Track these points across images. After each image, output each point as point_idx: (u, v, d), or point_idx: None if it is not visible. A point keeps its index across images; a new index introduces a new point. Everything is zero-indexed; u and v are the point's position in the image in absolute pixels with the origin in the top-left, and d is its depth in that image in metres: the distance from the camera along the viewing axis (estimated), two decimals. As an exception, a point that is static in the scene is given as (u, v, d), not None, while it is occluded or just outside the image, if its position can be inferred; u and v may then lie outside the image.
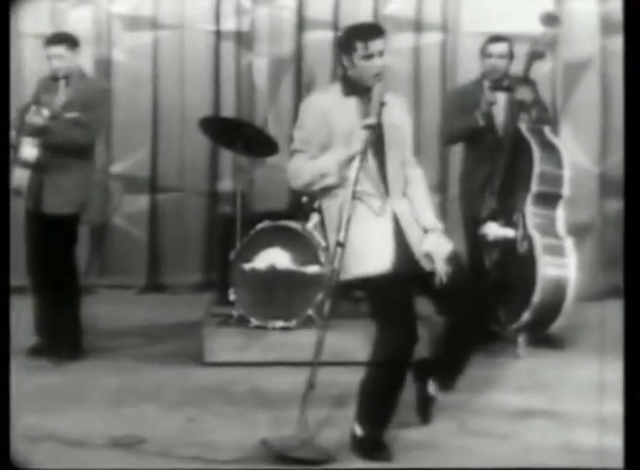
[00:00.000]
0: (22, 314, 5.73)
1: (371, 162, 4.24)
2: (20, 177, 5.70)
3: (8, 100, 4.40)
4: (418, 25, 7.93)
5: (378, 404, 4.31)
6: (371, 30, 4.26)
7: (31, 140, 5.67)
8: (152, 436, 4.39)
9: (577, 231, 6.39)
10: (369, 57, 4.21)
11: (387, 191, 4.30)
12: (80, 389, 5.23)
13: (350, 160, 4.17)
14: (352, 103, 4.28)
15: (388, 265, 4.19)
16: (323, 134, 4.24)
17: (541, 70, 6.86)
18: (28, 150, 5.68)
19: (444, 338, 4.46)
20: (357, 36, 4.22)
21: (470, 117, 6.01)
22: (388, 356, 4.24)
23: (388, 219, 4.27)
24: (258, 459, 4.14)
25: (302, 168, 4.25)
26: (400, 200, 4.34)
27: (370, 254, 4.21)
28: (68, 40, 5.82)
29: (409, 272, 4.25)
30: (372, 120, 4.18)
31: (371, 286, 4.26)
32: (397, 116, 4.37)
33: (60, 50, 5.74)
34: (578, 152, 7.57)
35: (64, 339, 5.82)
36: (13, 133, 5.60)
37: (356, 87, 4.28)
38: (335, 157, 4.20)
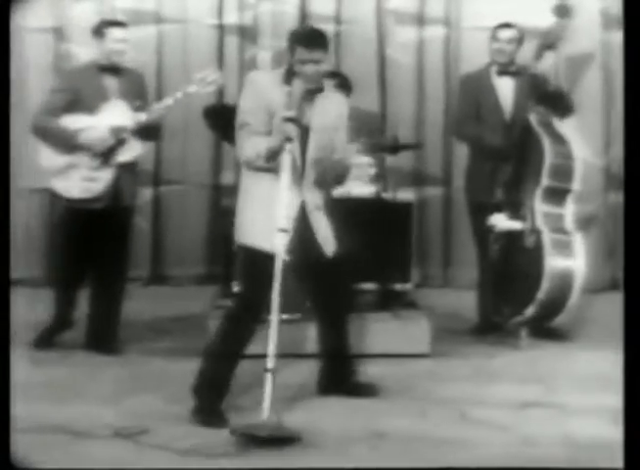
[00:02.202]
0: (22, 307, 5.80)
1: (295, 152, 4.49)
2: (112, 177, 5.71)
3: (8, 98, 4.40)
4: (421, 20, 7.96)
5: (213, 374, 4.60)
6: (309, 39, 4.55)
7: (136, 137, 5.70)
8: (155, 427, 4.41)
9: (581, 224, 6.42)
10: (304, 62, 4.50)
11: (301, 179, 4.56)
12: (85, 381, 5.26)
13: (276, 148, 4.42)
14: (287, 92, 4.52)
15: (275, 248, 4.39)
16: (262, 111, 4.52)
17: (544, 63, 6.89)
18: (139, 147, 5.73)
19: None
20: (296, 40, 4.55)
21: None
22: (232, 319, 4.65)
23: (295, 205, 4.51)
24: (257, 451, 4.16)
25: (244, 145, 4.54)
26: (313, 189, 4.63)
27: (264, 229, 4.45)
28: (126, 25, 5.84)
29: (302, 258, 4.56)
30: (290, 114, 4.42)
31: (252, 257, 4.56)
32: (328, 112, 4.64)
33: (124, 33, 5.74)
34: (582, 146, 7.58)
35: (112, 333, 5.87)
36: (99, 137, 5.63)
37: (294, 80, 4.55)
38: (265, 142, 4.46)
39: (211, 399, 4.58)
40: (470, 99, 6.26)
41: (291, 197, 4.44)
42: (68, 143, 5.64)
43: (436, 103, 7.72)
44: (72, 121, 5.66)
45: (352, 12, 7.98)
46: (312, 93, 4.60)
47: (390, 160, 6.11)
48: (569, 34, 7.55)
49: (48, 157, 5.73)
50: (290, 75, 4.57)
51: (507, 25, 6.17)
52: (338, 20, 8.00)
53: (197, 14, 8.03)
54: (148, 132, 5.75)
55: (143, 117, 5.63)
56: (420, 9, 7.94)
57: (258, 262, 4.51)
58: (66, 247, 5.91)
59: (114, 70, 5.74)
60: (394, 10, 7.96)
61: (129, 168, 5.78)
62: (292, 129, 4.40)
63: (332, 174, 4.72)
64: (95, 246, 5.80)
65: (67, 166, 5.68)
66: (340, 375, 4.97)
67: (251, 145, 4.51)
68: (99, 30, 5.73)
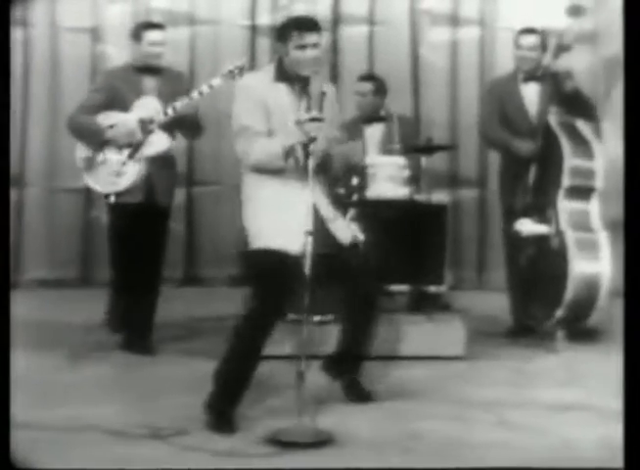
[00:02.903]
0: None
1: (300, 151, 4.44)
2: (138, 171, 5.71)
3: (8, 96, 4.40)
4: (455, 20, 7.93)
5: (230, 379, 4.53)
6: (307, 23, 4.51)
7: (164, 131, 5.70)
8: (190, 428, 4.41)
9: (617, 226, 6.35)
10: (303, 47, 4.42)
11: (308, 175, 4.47)
12: (120, 381, 5.27)
13: (292, 147, 4.40)
14: (282, 89, 4.51)
15: (297, 247, 4.35)
16: (260, 112, 4.46)
17: (581, 65, 6.85)
18: (166, 141, 5.72)
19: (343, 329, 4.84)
20: (293, 26, 4.47)
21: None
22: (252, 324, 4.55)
23: (309, 204, 4.39)
24: (292, 451, 4.15)
25: (252, 148, 4.47)
26: (320, 186, 4.60)
27: (284, 231, 4.42)
28: (164, 28, 5.86)
29: (321, 253, 4.41)
30: (318, 115, 4.39)
31: (269, 259, 4.49)
32: (328, 107, 4.59)
33: (161, 36, 5.77)
34: (619, 147, 7.51)
35: (146, 333, 5.88)
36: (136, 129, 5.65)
37: (287, 75, 4.51)
38: (282, 142, 4.42)
39: (224, 403, 4.52)
40: (494, 104, 6.24)
41: (305, 197, 4.39)
42: (98, 139, 5.67)
43: (471, 104, 7.68)
44: (106, 118, 5.69)
45: (385, 13, 7.98)
46: (310, 88, 4.56)
47: (425, 161, 6.09)
48: (599, 38, 7.54)
49: (81, 154, 5.77)
50: (280, 72, 4.51)
51: (529, 31, 6.13)
52: (371, 21, 8.00)
53: (230, 15, 8.07)
54: (179, 126, 5.77)
55: (169, 110, 5.63)
56: (454, 9, 7.92)
57: (278, 265, 4.46)
58: (109, 245, 5.95)
59: (151, 70, 5.75)
60: (428, 10, 7.95)
61: (163, 167, 5.78)
62: (315, 129, 4.36)
63: (340, 167, 4.75)
64: (131, 245, 5.81)
65: (97, 162, 5.70)
66: (342, 370, 4.93)
67: (259, 147, 4.47)
68: (137, 33, 5.77)
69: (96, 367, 5.52)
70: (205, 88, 5.65)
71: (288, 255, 4.42)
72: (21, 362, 3.90)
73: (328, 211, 4.65)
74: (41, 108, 7.91)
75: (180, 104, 5.64)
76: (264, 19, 8.10)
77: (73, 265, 8.09)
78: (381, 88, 6.50)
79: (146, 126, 5.65)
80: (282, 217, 4.46)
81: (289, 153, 4.44)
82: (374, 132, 6.50)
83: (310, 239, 4.31)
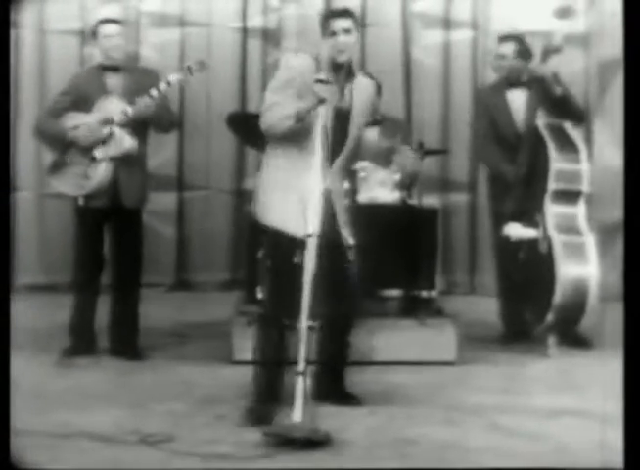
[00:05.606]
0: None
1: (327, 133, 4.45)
2: (104, 173, 5.66)
3: (8, 97, 4.36)
4: (447, 23, 7.92)
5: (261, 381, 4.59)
6: (339, 10, 4.62)
7: (129, 131, 5.63)
8: (181, 434, 4.37)
9: (612, 230, 6.35)
10: (335, 33, 4.50)
11: (330, 164, 4.52)
12: (110, 387, 5.24)
13: (306, 110, 4.37)
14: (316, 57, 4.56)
15: (304, 231, 4.29)
16: (295, 88, 4.47)
17: (575, 68, 6.83)
18: (128, 141, 5.64)
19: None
20: (328, 15, 4.60)
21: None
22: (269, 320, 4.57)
23: (320, 190, 4.37)
24: (284, 455, 4.11)
25: (268, 114, 4.47)
26: (339, 175, 4.62)
27: (293, 214, 4.37)
28: (119, 22, 5.81)
29: (328, 243, 4.39)
30: (322, 76, 4.38)
31: (275, 240, 4.50)
32: (363, 97, 4.64)
33: (115, 29, 5.69)
34: (614, 151, 7.51)
35: (130, 338, 5.82)
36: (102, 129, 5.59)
37: (327, 64, 4.53)
38: (297, 104, 4.41)
39: (263, 405, 4.55)
40: (483, 116, 6.24)
41: (317, 184, 4.33)
42: (61, 141, 5.65)
43: (463, 107, 7.68)
44: (70, 119, 5.66)
45: (378, 15, 7.96)
46: (348, 76, 4.59)
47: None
48: (592, 41, 7.53)
49: (48, 158, 5.76)
50: (320, 63, 4.53)
51: (505, 38, 6.12)
52: (363, 23, 7.96)
53: (221, 17, 8.05)
54: (150, 124, 5.71)
55: (129, 110, 5.57)
56: (446, 12, 7.91)
57: (283, 245, 4.42)
58: (75, 248, 5.90)
59: (115, 68, 5.72)
60: (420, 13, 7.93)
61: (130, 169, 5.70)
62: (324, 90, 4.35)
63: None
64: (102, 248, 5.78)
65: (63, 165, 5.67)
66: (333, 383, 4.91)
67: (277, 110, 4.46)
68: (94, 31, 5.75)
69: (85, 373, 5.49)
70: (162, 85, 5.57)
71: (286, 235, 4.39)
72: (12, 367, 3.87)
73: (342, 202, 4.64)
74: (30, 111, 7.87)
75: (140, 103, 5.56)
76: (255, 21, 8.08)
77: (65, 270, 8.04)
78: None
79: (107, 127, 5.61)
80: (288, 197, 4.42)
81: (302, 115, 4.39)
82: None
83: (313, 241, 4.24)
